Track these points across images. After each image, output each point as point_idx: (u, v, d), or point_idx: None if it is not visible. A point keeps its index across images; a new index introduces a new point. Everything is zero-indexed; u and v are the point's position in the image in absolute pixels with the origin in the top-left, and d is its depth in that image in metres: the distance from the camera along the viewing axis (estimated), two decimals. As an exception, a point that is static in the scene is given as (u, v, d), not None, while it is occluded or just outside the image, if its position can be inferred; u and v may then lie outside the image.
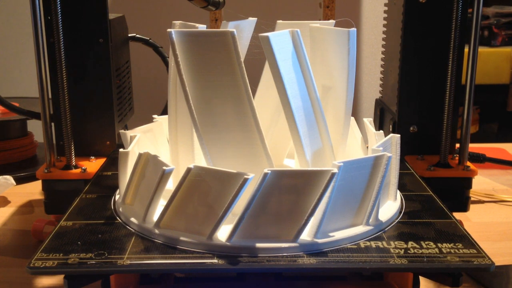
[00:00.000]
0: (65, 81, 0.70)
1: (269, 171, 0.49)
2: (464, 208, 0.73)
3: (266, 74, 0.69)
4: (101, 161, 0.76)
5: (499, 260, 0.69)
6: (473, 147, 1.08)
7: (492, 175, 1.01)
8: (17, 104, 0.86)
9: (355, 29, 0.57)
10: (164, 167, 0.53)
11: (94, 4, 0.74)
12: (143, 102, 1.15)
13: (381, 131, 0.63)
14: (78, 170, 0.71)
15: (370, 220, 0.55)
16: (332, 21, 0.65)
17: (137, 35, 0.88)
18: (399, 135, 0.60)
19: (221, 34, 0.52)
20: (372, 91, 1.49)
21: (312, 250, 0.51)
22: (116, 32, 0.78)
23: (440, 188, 0.70)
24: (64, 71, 0.70)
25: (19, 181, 0.93)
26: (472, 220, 0.82)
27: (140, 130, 0.67)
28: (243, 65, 0.53)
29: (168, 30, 0.53)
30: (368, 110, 1.52)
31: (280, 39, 0.54)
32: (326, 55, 0.62)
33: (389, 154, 0.54)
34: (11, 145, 1.00)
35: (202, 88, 0.54)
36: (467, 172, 0.72)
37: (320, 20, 0.67)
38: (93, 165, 0.74)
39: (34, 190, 0.71)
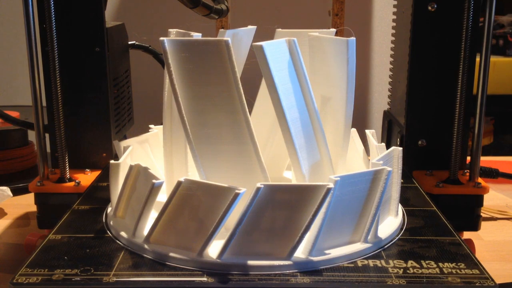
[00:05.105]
0: (59, 90, 0.69)
1: (262, 186, 0.48)
2: (475, 227, 0.71)
3: (265, 83, 0.67)
4: (96, 174, 0.74)
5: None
6: (488, 160, 1.05)
7: (506, 190, 0.98)
8: (17, 113, 0.85)
9: (354, 38, 0.56)
10: (154, 180, 0.51)
11: (90, 12, 0.73)
12: (145, 111, 1.13)
13: (383, 144, 0.61)
14: (72, 184, 0.70)
15: (369, 237, 0.53)
16: (332, 30, 0.64)
17: (137, 43, 0.86)
18: (401, 148, 0.58)
19: (214, 43, 0.51)
20: (383, 101, 1.47)
21: (307, 268, 0.49)
22: (113, 40, 0.77)
23: (449, 205, 0.68)
24: (58, 80, 0.69)
25: (18, 192, 0.92)
26: (484, 238, 0.79)
27: (135, 140, 0.66)
28: (238, 75, 0.51)
29: (161, 38, 0.51)
30: (378, 120, 1.49)
31: (275, 48, 0.53)
32: (325, 64, 0.60)
33: (389, 168, 0.52)
34: (12, 154, 0.99)
35: (195, 99, 0.53)
36: (478, 190, 0.69)
37: (329, 28, 0.66)
38: (88, 178, 0.73)
39: (32, 201, 0.70)
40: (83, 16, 0.73)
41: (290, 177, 0.70)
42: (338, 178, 0.49)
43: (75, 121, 0.75)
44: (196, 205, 0.50)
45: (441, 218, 0.59)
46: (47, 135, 0.72)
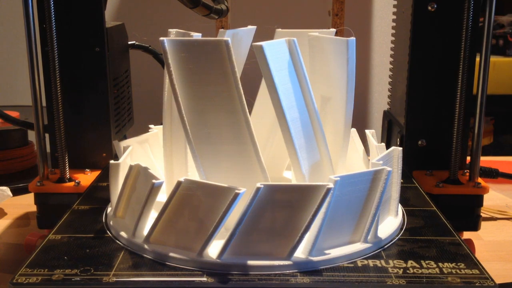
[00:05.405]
0: (59, 90, 0.69)
1: (262, 185, 0.47)
2: (474, 227, 0.70)
3: (265, 83, 0.67)
4: (96, 174, 0.74)
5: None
6: (488, 160, 1.05)
7: (505, 190, 0.98)
8: (17, 113, 0.85)
9: (354, 38, 0.55)
10: (154, 180, 0.51)
11: (90, 12, 0.73)
12: (145, 111, 1.13)
13: (383, 144, 0.61)
14: (72, 184, 0.70)
15: (369, 237, 0.52)
16: (332, 30, 0.63)
17: (137, 43, 0.86)
18: (400, 148, 0.58)
19: (214, 43, 0.51)
20: (383, 101, 1.47)
21: (307, 268, 0.49)
22: (113, 40, 0.77)
23: (449, 205, 0.68)
24: (58, 80, 0.69)
25: (18, 192, 0.92)
26: (483, 238, 0.79)
27: (134, 140, 0.66)
28: (238, 75, 0.51)
29: (161, 38, 0.51)
30: (378, 120, 1.49)
31: (275, 48, 0.53)
32: (325, 65, 0.60)
33: (389, 169, 0.51)
34: (12, 154, 0.99)
35: (195, 99, 0.53)
36: (478, 189, 0.69)
37: (329, 28, 0.65)
38: (88, 178, 0.73)
39: (32, 201, 0.70)
40: (83, 16, 0.72)
41: (290, 177, 0.70)
42: (338, 178, 0.49)
43: (75, 121, 0.75)
44: (196, 205, 0.50)
45: (441, 218, 0.59)
46: (47, 135, 0.72)
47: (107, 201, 0.62)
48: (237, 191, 0.47)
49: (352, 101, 0.58)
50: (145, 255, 0.51)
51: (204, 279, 0.47)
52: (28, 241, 0.68)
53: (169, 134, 0.61)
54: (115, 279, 0.47)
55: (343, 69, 0.57)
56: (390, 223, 0.57)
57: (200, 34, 0.58)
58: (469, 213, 0.70)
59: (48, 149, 0.72)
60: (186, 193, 0.50)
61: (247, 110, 0.52)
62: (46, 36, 0.68)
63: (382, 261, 0.50)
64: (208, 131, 0.53)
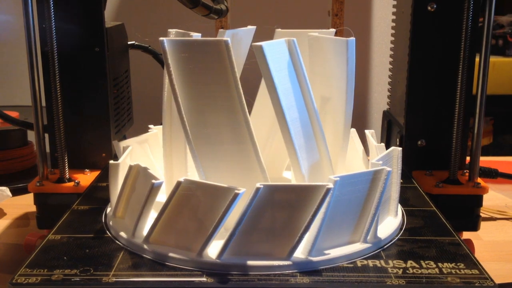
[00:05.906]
0: (59, 90, 0.69)
1: (262, 186, 0.48)
2: (474, 227, 0.71)
3: (264, 83, 0.67)
4: (96, 174, 0.74)
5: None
6: (487, 160, 1.05)
7: (505, 190, 0.98)
8: (17, 113, 0.85)
9: (354, 38, 0.55)
10: (153, 181, 0.51)
11: (90, 12, 0.73)
12: (145, 111, 1.13)
13: (382, 144, 0.61)
14: (71, 184, 0.70)
15: (368, 237, 0.52)
16: (332, 30, 0.63)
17: (136, 43, 0.86)
18: (400, 148, 0.58)
19: (214, 43, 0.51)
20: (383, 101, 1.47)
21: (306, 268, 0.49)
22: (113, 40, 0.77)
23: (448, 205, 0.68)
24: (58, 80, 0.69)
25: (18, 192, 0.92)
26: (483, 238, 0.79)
27: (134, 140, 0.66)
28: (238, 75, 0.51)
29: (160, 38, 0.51)
30: (378, 120, 1.49)
31: (275, 48, 0.53)
32: (324, 65, 0.60)
33: (388, 169, 0.51)
34: (11, 154, 0.99)
35: (194, 99, 0.53)
36: (477, 190, 0.69)
37: (329, 28, 0.66)
38: (87, 178, 0.73)
39: (31, 201, 0.70)
40: (83, 16, 0.72)
41: (290, 177, 0.70)
42: (338, 178, 0.49)
43: (75, 121, 0.75)
44: (195, 205, 0.50)
45: (440, 218, 0.59)
46: (46, 135, 0.72)
47: (106, 201, 0.62)
48: (237, 191, 0.47)
49: (351, 101, 0.58)
50: (144, 255, 0.51)
51: (204, 279, 0.47)
52: (28, 241, 0.68)
53: (169, 134, 0.61)
54: (114, 279, 0.47)
55: (342, 69, 0.57)
56: (390, 223, 0.57)
57: (200, 34, 0.58)
58: (468, 213, 0.70)
59: (47, 149, 0.72)
60: (185, 193, 0.50)
61: (247, 110, 0.52)
62: (46, 36, 0.68)
63: (382, 261, 0.50)
64: (208, 131, 0.53)
